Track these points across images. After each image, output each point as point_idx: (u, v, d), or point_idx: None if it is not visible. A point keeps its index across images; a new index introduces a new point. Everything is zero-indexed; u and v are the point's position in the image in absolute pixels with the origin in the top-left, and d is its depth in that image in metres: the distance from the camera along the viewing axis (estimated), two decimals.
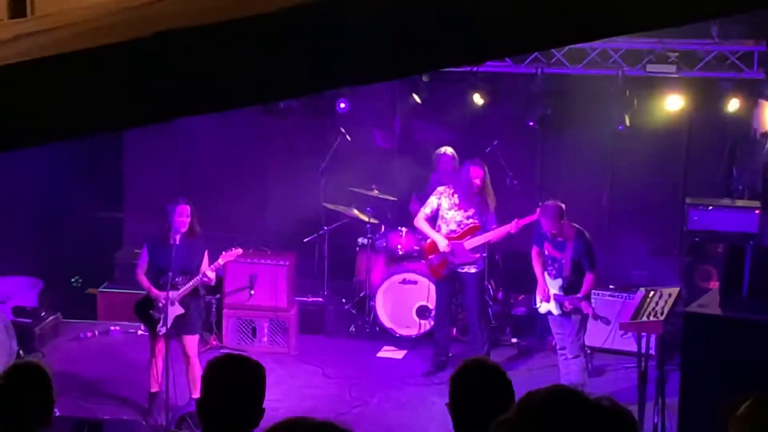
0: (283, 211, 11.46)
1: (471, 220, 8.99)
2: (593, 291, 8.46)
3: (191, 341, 8.07)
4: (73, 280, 11.00)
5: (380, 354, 9.84)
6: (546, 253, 8.22)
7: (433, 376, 9.11)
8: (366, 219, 10.48)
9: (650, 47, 10.08)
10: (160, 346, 7.94)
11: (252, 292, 9.67)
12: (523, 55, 10.31)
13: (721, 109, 10.47)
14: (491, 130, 11.13)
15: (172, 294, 7.84)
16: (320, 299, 10.48)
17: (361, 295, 10.63)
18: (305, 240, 10.89)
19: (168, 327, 7.82)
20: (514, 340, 10.10)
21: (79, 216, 11.19)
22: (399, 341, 9.99)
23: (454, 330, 9.85)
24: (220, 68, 2.14)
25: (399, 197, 11.09)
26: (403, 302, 9.98)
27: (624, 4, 2.12)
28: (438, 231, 9.09)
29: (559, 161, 11.69)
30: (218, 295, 9.77)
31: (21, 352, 8.83)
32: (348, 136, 11.19)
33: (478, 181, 8.86)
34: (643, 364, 7.31)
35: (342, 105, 11.04)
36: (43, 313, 9.90)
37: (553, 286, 8.17)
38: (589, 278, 8.08)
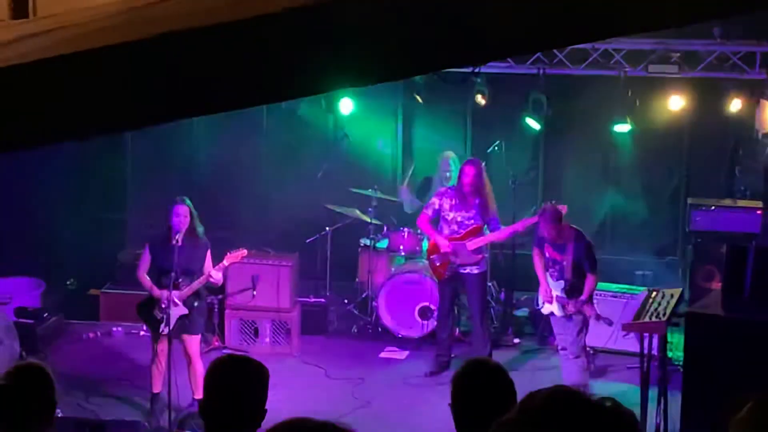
0: (286, 212, 11.47)
1: (472, 221, 9.00)
2: (595, 292, 8.45)
3: (193, 342, 8.07)
4: (68, 282, 10.99)
5: (383, 354, 9.84)
6: (547, 255, 8.21)
7: (436, 376, 9.11)
8: (368, 219, 10.49)
9: (652, 48, 10.08)
10: (163, 347, 7.93)
11: (254, 292, 9.67)
12: (525, 56, 10.30)
13: (723, 109, 10.48)
14: (493, 131, 11.15)
15: (175, 294, 7.86)
16: (322, 300, 10.49)
17: (363, 295, 10.64)
18: (308, 240, 10.90)
19: (171, 327, 7.82)
20: (516, 340, 10.11)
21: (81, 217, 11.20)
22: (401, 342, 9.99)
23: (457, 331, 9.86)
24: (222, 69, 2.15)
25: (400, 198, 11.11)
26: (405, 303, 9.98)
27: (626, 5, 2.12)
28: (440, 232, 9.10)
29: (561, 162, 11.70)
30: (220, 296, 9.77)
31: (23, 353, 8.83)
32: (350, 137, 11.20)
33: (469, 179, 8.86)
34: (645, 364, 7.31)
35: (345, 105, 11.05)
36: (46, 314, 9.90)
37: (555, 288, 8.17)
38: (590, 280, 8.07)
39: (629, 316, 7.58)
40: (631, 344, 8.78)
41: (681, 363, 7.67)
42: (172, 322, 7.82)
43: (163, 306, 7.86)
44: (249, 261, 9.46)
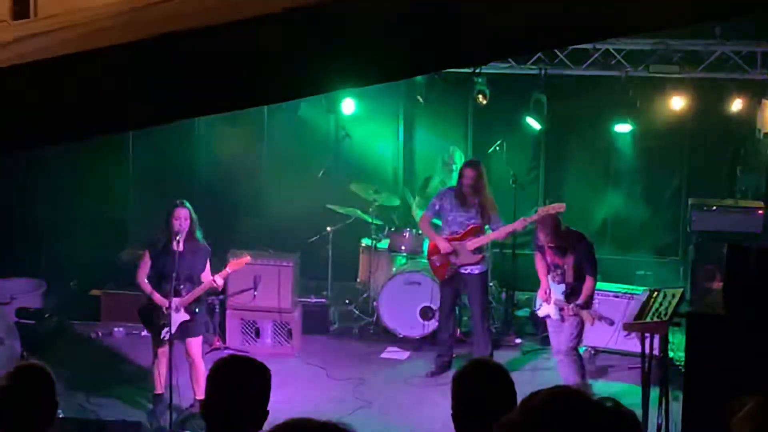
0: (287, 212, 11.47)
1: (472, 221, 9.00)
2: (596, 292, 8.42)
3: (195, 343, 8.05)
4: (72, 283, 10.99)
5: (384, 355, 9.84)
6: (548, 260, 8.18)
7: (437, 376, 9.11)
8: (369, 220, 10.48)
9: (653, 48, 10.08)
10: (164, 349, 7.87)
11: (255, 293, 9.66)
12: (526, 56, 10.30)
13: (724, 109, 10.47)
14: (494, 131, 11.15)
15: (177, 301, 7.79)
16: (324, 300, 10.48)
17: (364, 296, 10.64)
18: (309, 241, 10.89)
19: (172, 333, 7.73)
20: (517, 340, 10.11)
21: (82, 217, 11.20)
22: (403, 342, 9.99)
23: (458, 331, 9.85)
24: (223, 69, 2.15)
25: (401, 198, 11.11)
26: (406, 303, 9.97)
27: (628, 6, 2.12)
28: (441, 232, 9.11)
29: (562, 162, 11.70)
30: (222, 297, 9.77)
31: (24, 353, 8.83)
32: (351, 137, 11.19)
33: (468, 180, 8.88)
34: (646, 364, 7.30)
35: (347, 106, 11.05)
36: (47, 315, 9.90)
37: (556, 291, 8.14)
38: (588, 284, 8.02)
39: (631, 316, 7.57)
40: (632, 344, 8.77)
41: (682, 363, 7.66)
42: (174, 327, 7.75)
43: (165, 312, 7.82)
44: (250, 261, 9.45)
